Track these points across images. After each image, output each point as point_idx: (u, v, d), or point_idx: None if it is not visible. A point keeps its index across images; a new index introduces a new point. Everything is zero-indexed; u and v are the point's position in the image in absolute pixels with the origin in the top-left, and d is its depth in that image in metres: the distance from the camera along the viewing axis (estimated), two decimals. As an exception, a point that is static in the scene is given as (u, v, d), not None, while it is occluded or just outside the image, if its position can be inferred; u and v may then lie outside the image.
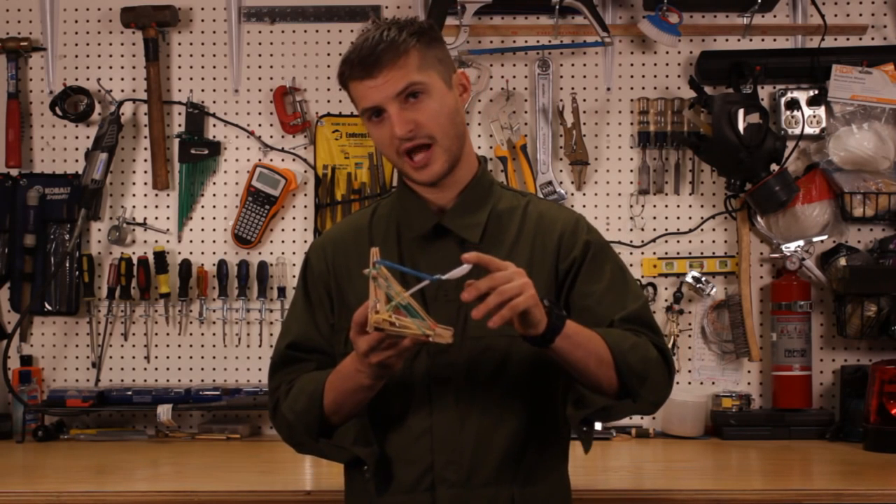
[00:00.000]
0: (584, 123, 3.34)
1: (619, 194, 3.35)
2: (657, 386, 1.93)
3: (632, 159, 3.35)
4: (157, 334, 3.37)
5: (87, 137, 3.36)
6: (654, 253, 3.33)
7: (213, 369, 3.36)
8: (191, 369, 3.36)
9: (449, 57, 1.99)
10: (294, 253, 3.35)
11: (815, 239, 3.26)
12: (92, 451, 3.09)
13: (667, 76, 3.35)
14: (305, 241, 3.34)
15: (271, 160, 3.37)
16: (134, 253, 3.35)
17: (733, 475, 2.81)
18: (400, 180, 2.05)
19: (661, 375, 1.93)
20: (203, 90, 3.40)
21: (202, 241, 3.39)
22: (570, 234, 1.99)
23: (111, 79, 3.39)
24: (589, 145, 3.33)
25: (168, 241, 3.37)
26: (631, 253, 3.31)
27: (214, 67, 3.41)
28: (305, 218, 3.37)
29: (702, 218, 3.33)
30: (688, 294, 3.30)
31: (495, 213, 2.00)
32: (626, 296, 1.97)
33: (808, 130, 3.28)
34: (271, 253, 3.36)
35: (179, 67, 3.41)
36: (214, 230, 3.39)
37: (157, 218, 3.39)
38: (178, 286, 3.34)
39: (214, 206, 3.39)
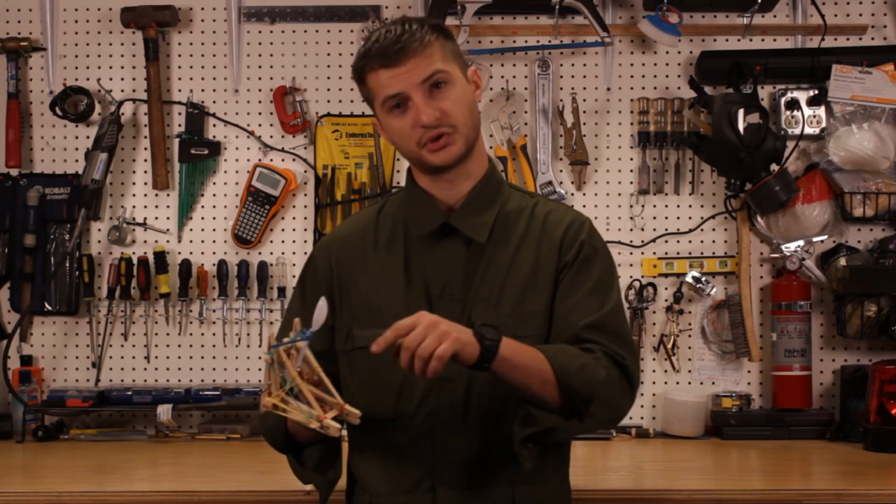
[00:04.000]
0: (584, 123, 3.34)
1: (619, 194, 3.35)
2: (610, 405, 1.89)
3: (632, 159, 3.35)
4: (157, 334, 3.37)
5: (87, 137, 3.36)
6: (654, 253, 3.33)
7: (213, 369, 3.36)
8: (191, 369, 3.36)
9: (462, 54, 2.01)
10: (294, 253, 3.35)
11: (815, 239, 3.25)
12: (92, 451, 3.09)
13: (667, 76, 3.35)
14: (305, 241, 3.34)
15: (271, 160, 3.37)
16: (134, 253, 3.35)
17: (733, 475, 2.81)
18: (408, 178, 2.04)
19: (614, 393, 1.89)
20: (203, 90, 3.40)
21: (202, 241, 3.39)
22: (572, 234, 1.98)
23: (111, 79, 3.39)
24: (589, 145, 3.33)
25: (168, 241, 3.37)
26: (631, 253, 3.31)
27: (214, 67, 3.41)
28: (305, 218, 3.37)
29: (702, 218, 3.33)
30: (688, 294, 3.30)
31: (503, 213, 2.00)
32: (604, 300, 1.94)
33: (808, 130, 3.28)
34: (271, 253, 3.36)
35: (179, 67, 3.41)
36: (214, 230, 3.39)
37: (157, 218, 3.39)
38: (178, 286, 3.34)
39: (214, 206, 3.39)
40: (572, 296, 1.94)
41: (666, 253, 3.33)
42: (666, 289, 3.32)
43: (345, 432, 1.81)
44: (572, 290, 1.94)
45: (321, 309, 1.74)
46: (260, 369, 3.32)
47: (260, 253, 3.37)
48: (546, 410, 1.85)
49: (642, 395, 3.30)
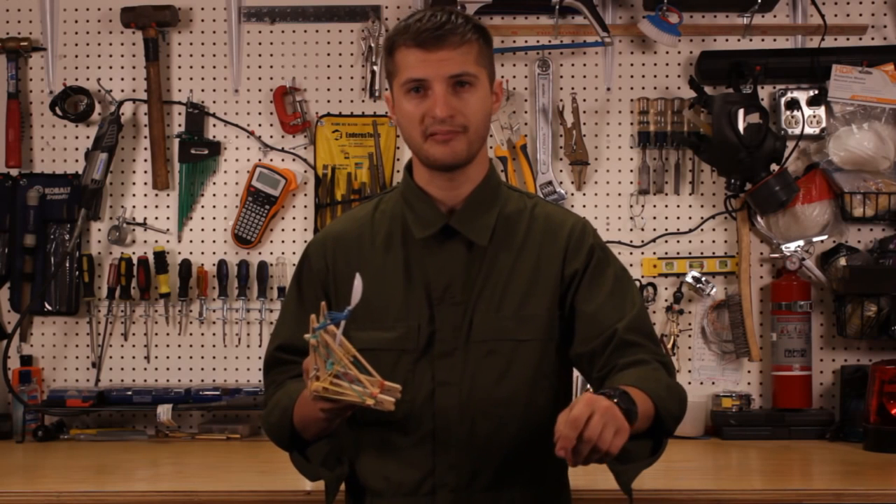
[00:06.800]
0: (584, 123, 3.34)
1: (619, 194, 3.35)
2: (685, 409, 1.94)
3: (632, 159, 3.35)
4: (157, 334, 3.37)
5: (87, 137, 3.36)
6: (654, 253, 3.33)
7: (213, 369, 3.36)
8: (191, 369, 3.36)
9: (493, 63, 2.00)
10: (294, 253, 3.35)
11: (815, 239, 3.26)
12: (92, 451, 3.09)
13: (667, 76, 3.35)
14: (305, 241, 3.32)
15: (271, 160, 3.37)
16: (134, 253, 3.35)
17: (733, 475, 2.81)
18: (406, 177, 2.03)
19: (684, 396, 1.94)
20: (203, 90, 3.40)
21: (202, 241, 3.39)
22: (577, 239, 1.98)
23: (111, 79, 3.39)
24: (589, 145, 3.33)
25: (168, 241, 3.37)
26: (631, 253, 3.31)
27: (214, 67, 3.41)
28: (305, 218, 3.37)
29: (702, 218, 3.33)
30: (688, 294, 3.30)
31: (503, 215, 1.99)
32: (624, 302, 1.95)
33: (808, 130, 3.28)
34: (271, 253, 3.36)
35: (179, 67, 3.41)
36: (214, 230, 3.39)
37: (157, 218, 3.39)
38: (178, 286, 3.34)
39: (214, 206, 3.39)
40: (595, 299, 1.94)
41: (666, 253, 3.33)
42: (666, 289, 3.32)
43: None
44: (593, 294, 1.95)
45: (357, 287, 1.72)
46: (260, 369, 3.32)
47: (260, 253, 3.36)
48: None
49: (642, 395, 3.30)
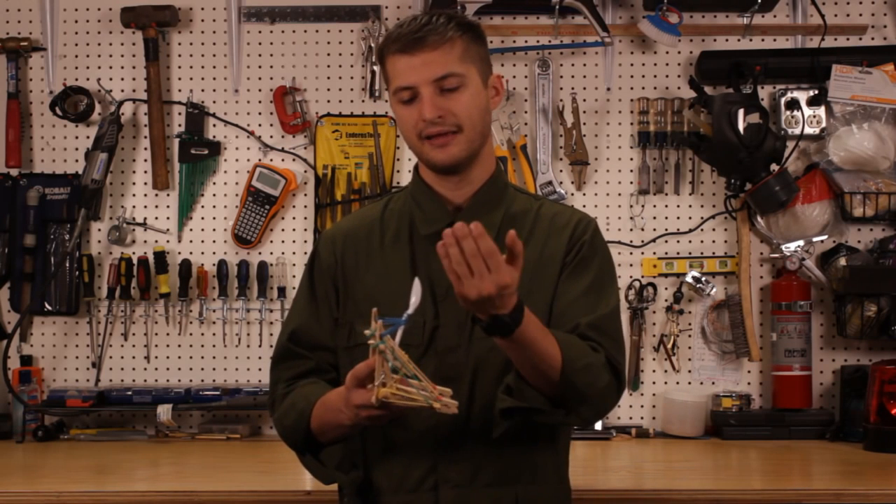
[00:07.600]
0: (584, 123, 3.34)
1: (619, 194, 3.35)
2: (599, 409, 1.89)
3: (632, 159, 3.35)
4: (157, 334, 3.37)
5: (87, 137, 3.36)
6: (654, 253, 3.33)
7: (213, 369, 3.36)
8: (191, 369, 3.36)
9: (489, 58, 2.00)
10: (294, 253, 3.35)
11: (815, 239, 3.26)
12: (92, 451, 3.09)
13: (667, 76, 3.35)
14: (305, 241, 3.34)
15: (271, 160, 3.37)
16: (134, 253, 3.35)
17: (733, 475, 2.81)
18: (415, 175, 2.04)
19: (607, 399, 1.89)
20: (203, 90, 3.40)
21: (202, 241, 3.39)
22: (580, 233, 1.98)
23: (111, 79, 3.39)
24: (589, 145, 3.33)
25: (168, 241, 3.37)
26: (631, 253, 3.31)
27: (214, 67, 3.41)
28: (305, 218, 3.37)
29: (702, 218, 3.33)
30: (688, 294, 3.30)
31: (509, 214, 2.00)
32: (598, 302, 1.93)
33: (808, 130, 3.28)
34: (271, 253, 3.36)
35: (179, 67, 3.41)
36: (214, 230, 3.39)
37: (157, 218, 3.39)
38: (178, 286, 3.34)
39: (214, 206, 3.39)
40: (569, 293, 1.94)
41: (666, 253, 3.33)
42: (666, 289, 3.32)
43: None
44: (569, 288, 1.94)
45: (416, 290, 1.73)
46: (260, 369, 3.33)
47: (260, 253, 3.36)
48: (538, 391, 1.83)
49: (642, 395, 3.30)
